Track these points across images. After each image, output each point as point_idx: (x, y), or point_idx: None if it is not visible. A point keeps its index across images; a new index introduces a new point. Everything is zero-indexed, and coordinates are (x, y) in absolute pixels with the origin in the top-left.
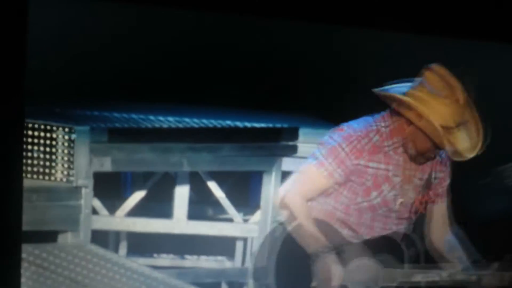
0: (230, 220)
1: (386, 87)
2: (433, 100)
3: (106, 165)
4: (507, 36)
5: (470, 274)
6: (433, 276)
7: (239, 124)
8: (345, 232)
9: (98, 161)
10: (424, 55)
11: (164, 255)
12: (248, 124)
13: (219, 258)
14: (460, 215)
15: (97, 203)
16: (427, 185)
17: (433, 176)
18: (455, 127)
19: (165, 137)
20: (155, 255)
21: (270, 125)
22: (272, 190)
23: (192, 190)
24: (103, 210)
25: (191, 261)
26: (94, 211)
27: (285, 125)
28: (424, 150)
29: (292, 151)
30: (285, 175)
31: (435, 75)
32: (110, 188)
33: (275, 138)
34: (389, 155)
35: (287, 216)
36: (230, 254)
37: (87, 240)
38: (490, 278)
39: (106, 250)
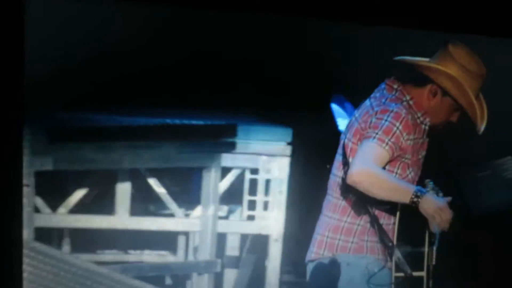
0: (172, 215)
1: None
2: (464, 72)
3: (47, 164)
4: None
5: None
6: None
7: (178, 122)
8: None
9: (39, 160)
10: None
11: (107, 251)
12: (187, 122)
13: (162, 252)
14: (460, 207)
15: (39, 201)
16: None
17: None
18: (476, 99)
19: (106, 136)
20: (98, 251)
21: (209, 122)
22: (212, 185)
23: (133, 186)
24: (45, 208)
25: (134, 256)
26: (37, 209)
27: (223, 122)
28: (441, 122)
29: (230, 147)
30: (224, 171)
31: (462, 50)
32: (52, 186)
33: (214, 135)
34: (421, 127)
35: (368, 189)
36: (173, 249)
37: (30, 238)
38: None
39: (50, 247)
